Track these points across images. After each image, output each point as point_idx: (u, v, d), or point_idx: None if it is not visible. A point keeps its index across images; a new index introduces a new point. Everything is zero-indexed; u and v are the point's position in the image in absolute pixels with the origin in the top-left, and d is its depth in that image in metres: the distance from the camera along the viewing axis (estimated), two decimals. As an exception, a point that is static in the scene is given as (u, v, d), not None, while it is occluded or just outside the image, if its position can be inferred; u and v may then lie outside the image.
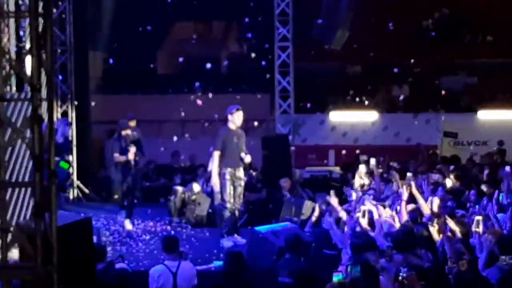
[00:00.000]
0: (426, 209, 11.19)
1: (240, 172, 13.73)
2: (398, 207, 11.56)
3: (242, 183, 13.79)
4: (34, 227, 6.65)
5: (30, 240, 6.64)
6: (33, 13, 6.62)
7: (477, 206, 11.77)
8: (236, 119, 13.56)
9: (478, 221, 9.65)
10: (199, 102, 15.65)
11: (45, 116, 7.03)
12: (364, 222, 10.98)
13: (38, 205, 6.72)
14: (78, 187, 20.01)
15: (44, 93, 7.09)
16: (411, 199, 11.82)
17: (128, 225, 14.93)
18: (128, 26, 22.50)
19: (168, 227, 15.68)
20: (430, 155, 20.80)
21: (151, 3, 22.82)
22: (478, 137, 22.56)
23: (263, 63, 21.94)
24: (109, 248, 12.62)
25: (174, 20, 24.86)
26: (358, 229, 10.98)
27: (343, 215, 12.09)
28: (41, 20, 6.76)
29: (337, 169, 21.55)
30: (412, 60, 24.10)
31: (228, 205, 13.44)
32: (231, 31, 25.93)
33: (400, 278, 7.83)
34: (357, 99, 23.72)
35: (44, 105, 7.07)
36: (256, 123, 22.77)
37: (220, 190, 13.42)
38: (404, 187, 11.65)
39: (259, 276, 10.21)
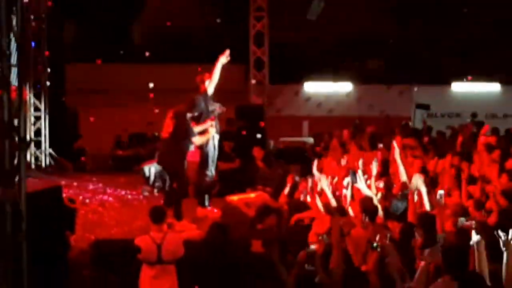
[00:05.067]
0: (403, 175, 11.25)
1: (217, 139, 13.61)
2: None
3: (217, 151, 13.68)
4: (3, 194, 6.64)
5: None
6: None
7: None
8: (207, 82, 13.36)
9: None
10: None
11: (16, 83, 6.99)
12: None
13: (8, 172, 6.70)
14: (50, 155, 19.91)
15: (15, 59, 7.04)
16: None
17: None
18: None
19: (141, 196, 15.65)
20: (403, 126, 20.85)
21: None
22: (451, 109, 22.71)
23: (238, 34, 21.88)
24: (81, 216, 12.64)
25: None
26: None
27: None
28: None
29: (311, 139, 21.59)
30: (387, 33, 24.13)
31: (210, 174, 13.32)
32: (206, 1, 25.79)
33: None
34: (332, 70, 23.75)
35: (15, 71, 7.02)
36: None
37: (207, 156, 13.26)
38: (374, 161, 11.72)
39: (232, 246, 10.22)
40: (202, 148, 13.21)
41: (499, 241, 6.54)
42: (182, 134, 12.34)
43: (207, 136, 12.73)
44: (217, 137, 13.19)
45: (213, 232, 9.09)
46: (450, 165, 12.49)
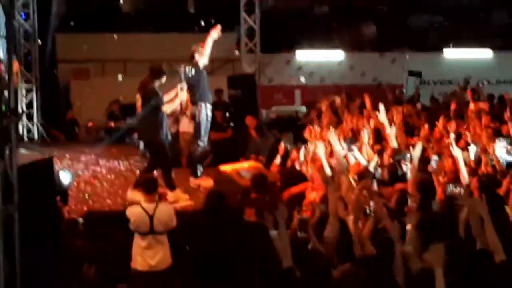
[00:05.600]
0: (393, 141, 11.27)
1: (209, 110, 13.53)
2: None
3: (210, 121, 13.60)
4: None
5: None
6: None
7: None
8: (202, 52, 13.28)
9: None
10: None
11: (4, 54, 6.93)
12: None
13: (-2, 144, 6.66)
14: (42, 126, 19.85)
15: (3, 31, 6.97)
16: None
17: None
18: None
19: (133, 167, 15.62)
20: (396, 95, 20.83)
21: None
22: (444, 76, 22.69)
23: (229, 2, 21.74)
24: (73, 187, 12.62)
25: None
26: None
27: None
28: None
29: (303, 108, 21.56)
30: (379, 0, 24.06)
31: (202, 144, 13.27)
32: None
33: None
34: (324, 39, 23.66)
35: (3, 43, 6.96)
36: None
37: (198, 127, 13.18)
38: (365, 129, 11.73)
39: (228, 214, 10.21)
40: (194, 118, 13.15)
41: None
42: (154, 103, 12.13)
43: (176, 102, 12.45)
44: (209, 107, 13.11)
45: (211, 200, 9.07)
46: (444, 131, 12.49)
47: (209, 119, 13.16)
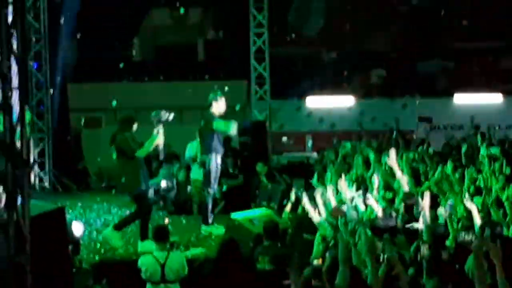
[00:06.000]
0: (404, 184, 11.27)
1: (220, 159, 13.63)
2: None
3: (220, 169, 13.70)
4: (7, 217, 6.62)
5: (3, 230, 6.61)
6: (2, 2, 6.58)
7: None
8: (220, 105, 13.47)
9: None
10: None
11: (17, 105, 6.98)
12: None
13: (10, 195, 6.69)
14: (54, 175, 19.90)
15: (16, 81, 7.03)
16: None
17: None
18: (103, 12, 22.36)
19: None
20: (407, 139, 20.83)
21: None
22: (454, 121, 22.69)
23: (239, 49, 21.89)
24: (85, 236, 12.62)
25: (150, 7, 24.72)
26: None
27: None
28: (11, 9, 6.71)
29: (314, 154, 21.54)
30: (388, 45, 24.14)
31: (212, 191, 13.34)
32: (207, 18, 25.83)
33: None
34: (334, 84, 23.74)
35: (16, 93, 7.01)
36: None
37: (208, 175, 13.28)
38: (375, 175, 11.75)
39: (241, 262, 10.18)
40: (204, 166, 13.21)
41: None
42: (126, 153, 12.16)
43: (148, 146, 12.37)
44: (219, 157, 13.20)
45: (225, 248, 9.05)
46: (454, 175, 12.49)
47: (219, 167, 13.24)
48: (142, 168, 12.16)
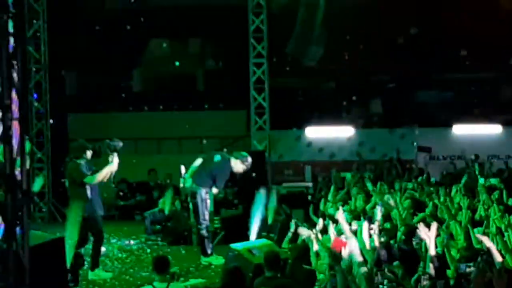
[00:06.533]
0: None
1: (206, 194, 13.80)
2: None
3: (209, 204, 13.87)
4: (6, 248, 6.60)
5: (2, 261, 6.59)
6: (3, 33, 6.61)
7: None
8: (238, 166, 13.71)
9: None
10: None
11: (17, 135, 6.98)
12: None
13: (10, 225, 6.68)
14: (53, 205, 19.88)
15: (16, 112, 7.04)
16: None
17: None
18: (103, 43, 22.46)
19: (144, 245, 15.60)
20: (408, 169, 20.86)
21: (126, 21, 22.81)
22: (453, 151, 22.70)
23: (239, 80, 21.96)
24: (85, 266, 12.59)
25: (149, 37, 24.83)
26: None
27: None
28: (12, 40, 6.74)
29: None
30: (387, 76, 24.21)
31: (204, 225, 13.44)
32: (207, 48, 25.92)
33: None
34: (333, 115, 23.79)
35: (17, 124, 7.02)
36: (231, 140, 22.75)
37: (202, 209, 13.40)
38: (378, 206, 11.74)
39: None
40: (191, 201, 13.43)
41: None
42: (76, 182, 12.23)
43: (99, 174, 12.42)
44: (207, 191, 13.33)
45: (231, 276, 9.01)
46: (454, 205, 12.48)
47: (206, 202, 13.36)
48: (94, 193, 12.25)
